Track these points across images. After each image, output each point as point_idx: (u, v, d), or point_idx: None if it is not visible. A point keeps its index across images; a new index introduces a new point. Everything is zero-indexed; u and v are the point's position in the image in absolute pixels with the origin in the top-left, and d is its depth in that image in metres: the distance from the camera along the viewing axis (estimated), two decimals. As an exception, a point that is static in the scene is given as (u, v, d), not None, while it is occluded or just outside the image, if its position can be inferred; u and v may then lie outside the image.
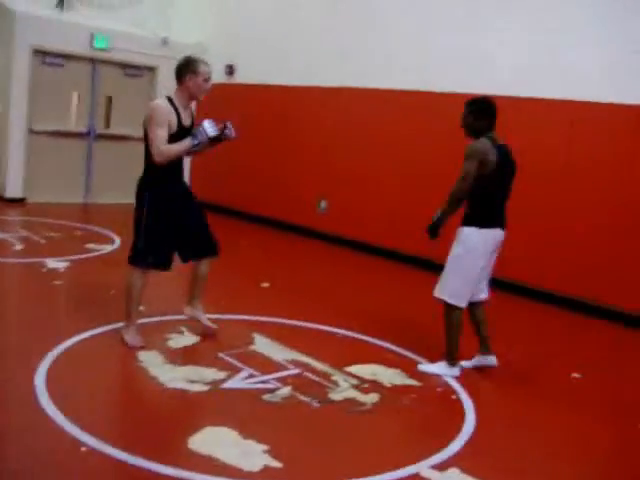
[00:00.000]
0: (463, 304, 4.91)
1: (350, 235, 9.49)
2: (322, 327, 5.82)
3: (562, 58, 7.27)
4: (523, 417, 4.52)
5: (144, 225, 4.81)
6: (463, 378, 4.89)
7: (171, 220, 4.88)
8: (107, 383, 4.44)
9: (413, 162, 8.74)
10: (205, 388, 4.30)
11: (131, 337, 4.94)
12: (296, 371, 4.73)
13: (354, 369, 4.87)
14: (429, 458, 3.65)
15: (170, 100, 4.83)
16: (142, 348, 4.85)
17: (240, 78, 11.56)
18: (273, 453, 3.53)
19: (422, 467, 3.55)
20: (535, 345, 6.15)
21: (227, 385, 4.39)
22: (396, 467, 3.52)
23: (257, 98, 11.09)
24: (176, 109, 4.80)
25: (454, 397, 4.59)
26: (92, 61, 11.20)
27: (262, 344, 5.22)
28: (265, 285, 7.03)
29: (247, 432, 3.73)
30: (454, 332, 4.94)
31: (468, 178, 4.75)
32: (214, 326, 5.35)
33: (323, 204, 9.87)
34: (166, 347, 4.96)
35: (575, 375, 5.32)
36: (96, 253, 7.79)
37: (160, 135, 4.67)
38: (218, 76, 11.68)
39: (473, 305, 5.06)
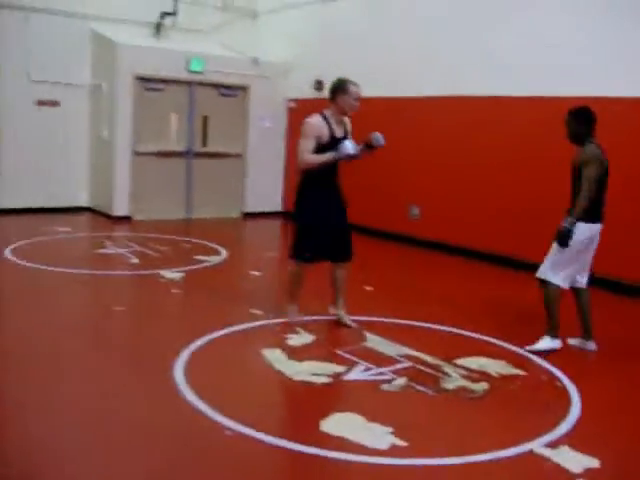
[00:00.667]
0: (560, 282, 5.46)
1: (441, 239, 9.80)
2: (426, 324, 6.18)
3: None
4: (627, 401, 4.80)
5: (303, 226, 5.66)
6: (565, 367, 5.17)
7: (324, 221, 5.65)
8: (239, 376, 4.90)
9: (499, 167, 9.02)
10: (328, 380, 4.73)
11: (292, 315, 5.98)
12: (408, 364, 5.11)
13: (462, 361, 5.22)
14: (541, 437, 3.97)
15: (324, 116, 5.56)
16: (302, 324, 5.85)
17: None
18: (398, 434, 3.92)
19: (535, 445, 3.88)
20: (618, 331, 6.42)
21: (347, 377, 4.81)
22: (511, 445, 3.85)
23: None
24: (329, 123, 5.54)
25: (559, 384, 4.89)
26: (188, 84, 11.86)
27: (374, 341, 5.62)
28: (369, 288, 7.44)
29: (372, 417, 4.13)
30: (553, 307, 5.50)
31: (593, 183, 5.27)
32: (354, 324, 5.99)
33: (415, 210, 10.20)
34: (286, 345, 5.41)
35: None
36: (206, 264, 8.34)
37: (305, 146, 5.54)
38: (308, 91, 12.24)
39: (577, 291, 5.63)
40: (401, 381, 4.76)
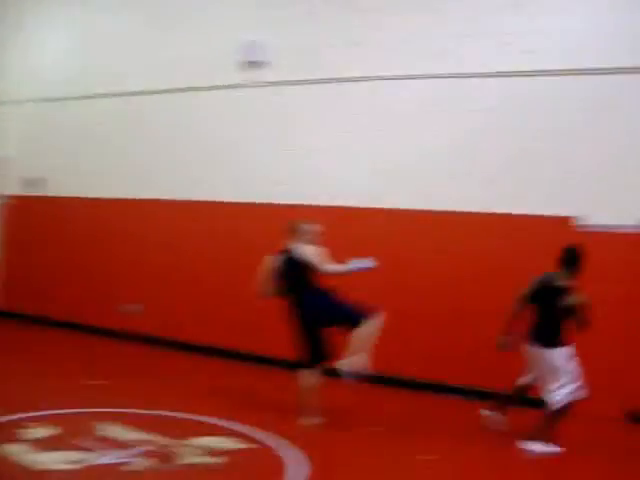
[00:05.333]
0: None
1: (163, 334, 10.48)
2: (157, 412, 6.83)
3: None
4: (347, 461, 6.01)
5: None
6: (291, 438, 6.15)
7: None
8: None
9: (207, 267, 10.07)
10: (76, 466, 5.16)
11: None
12: (146, 447, 5.70)
13: (195, 441, 5.94)
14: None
15: None
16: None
17: (47, 191, 12.13)
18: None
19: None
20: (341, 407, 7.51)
21: (93, 463, 5.26)
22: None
23: (65, 210, 11.77)
24: None
25: (276, 453, 5.80)
26: None
27: (108, 430, 6.10)
28: (94, 383, 7.85)
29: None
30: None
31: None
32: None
33: (133, 307, 10.66)
34: (29, 439, 5.70)
35: (374, 428, 6.85)
36: None
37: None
38: (21, 189, 12.31)
39: None
40: (142, 461, 5.34)
